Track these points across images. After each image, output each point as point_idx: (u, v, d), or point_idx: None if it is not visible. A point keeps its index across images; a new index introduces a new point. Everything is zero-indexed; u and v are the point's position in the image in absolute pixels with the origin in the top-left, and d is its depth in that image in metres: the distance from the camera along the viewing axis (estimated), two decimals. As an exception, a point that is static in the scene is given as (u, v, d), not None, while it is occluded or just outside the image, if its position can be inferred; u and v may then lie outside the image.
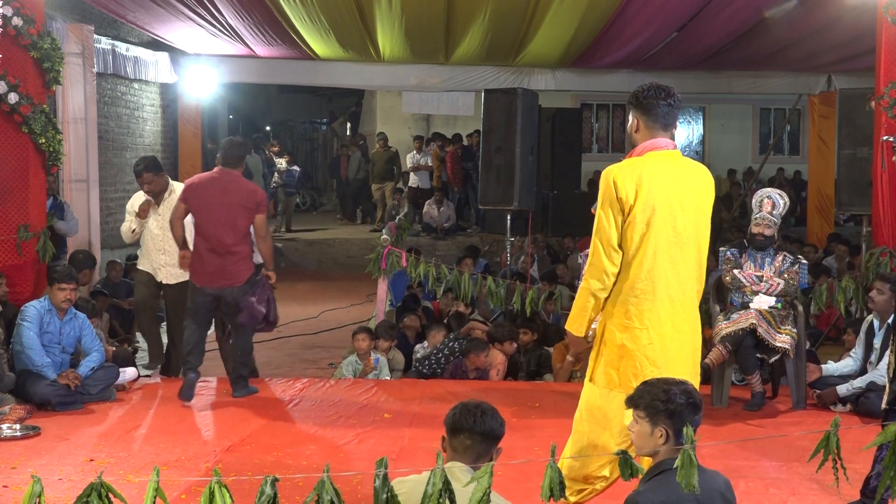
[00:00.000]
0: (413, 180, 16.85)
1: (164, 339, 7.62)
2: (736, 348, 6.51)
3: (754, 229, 6.70)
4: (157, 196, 7.27)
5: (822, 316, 9.16)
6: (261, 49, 11.98)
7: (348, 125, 24.84)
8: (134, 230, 7.37)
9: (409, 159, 16.94)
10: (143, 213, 7.28)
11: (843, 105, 9.24)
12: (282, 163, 18.03)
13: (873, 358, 6.39)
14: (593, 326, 3.92)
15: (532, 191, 9.65)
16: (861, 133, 8.76)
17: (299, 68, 12.91)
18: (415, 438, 5.79)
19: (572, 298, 4.74)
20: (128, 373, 7.04)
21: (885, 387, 4.32)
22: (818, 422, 6.20)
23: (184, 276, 7.20)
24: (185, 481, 4.78)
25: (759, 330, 6.43)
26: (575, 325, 3.91)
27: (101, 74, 10.22)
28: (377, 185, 17.01)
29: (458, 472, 3.01)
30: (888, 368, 4.22)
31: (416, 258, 8.80)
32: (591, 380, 3.91)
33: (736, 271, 6.66)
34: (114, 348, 7.37)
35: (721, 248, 7.08)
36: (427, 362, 7.67)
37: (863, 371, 6.51)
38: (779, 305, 6.58)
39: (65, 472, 5.00)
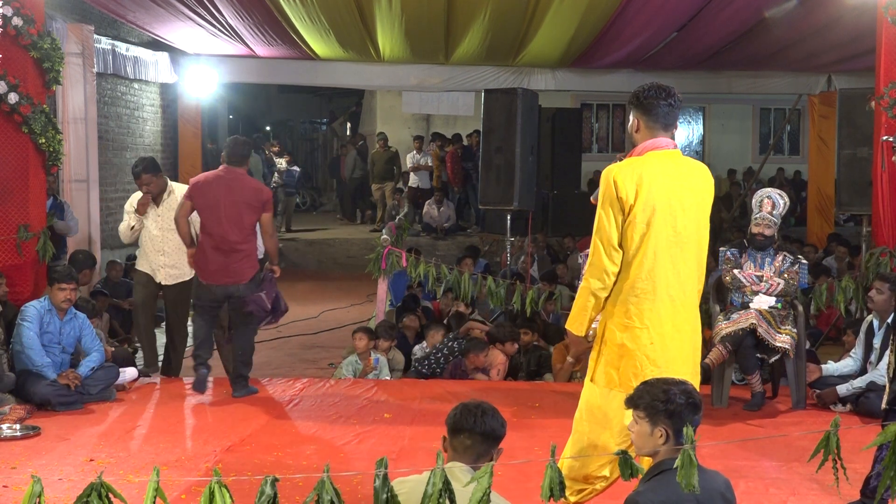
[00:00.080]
0: (413, 180, 16.82)
1: (162, 341, 7.62)
2: (736, 348, 6.50)
3: (754, 229, 6.70)
4: (155, 197, 7.27)
5: (822, 316, 9.16)
6: (261, 49, 11.98)
7: (348, 125, 24.81)
8: (133, 227, 7.35)
9: (409, 159, 16.92)
10: (142, 209, 7.27)
11: (843, 105, 9.23)
12: (282, 163, 18.03)
13: (873, 358, 6.39)
14: (594, 326, 3.92)
15: (532, 191, 9.65)
16: (861, 133, 8.76)
17: (299, 68, 12.91)
18: (415, 438, 5.78)
19: (572, 298, 4.74)
20: (128, 373, 7.04)
21: (884, 387, 4.32)
22: (818, 422, 6.19)
23: (183, 276, 7.23)
24: (185, 481, 4.79)
25: (759, 330, 6.43)
26: (575, 324, 3.90)
27: (101, 74, 10.22)
28: (377, 185, 16.99)
29: (459, 472, 3.01)
30: (888, 368, 4.22)
31: (416, 258, 8.80)
32: (591, 380, 3.91)
33: (736, 271, 6.66)
34: (113, 348, 7.37)
35: (721, 248, 7.07)
36: (426, 362, 7.66)
37: (863, 371, 6.51)
38: (779, 305, 6.58)
39: (65, 472, 4.99)
